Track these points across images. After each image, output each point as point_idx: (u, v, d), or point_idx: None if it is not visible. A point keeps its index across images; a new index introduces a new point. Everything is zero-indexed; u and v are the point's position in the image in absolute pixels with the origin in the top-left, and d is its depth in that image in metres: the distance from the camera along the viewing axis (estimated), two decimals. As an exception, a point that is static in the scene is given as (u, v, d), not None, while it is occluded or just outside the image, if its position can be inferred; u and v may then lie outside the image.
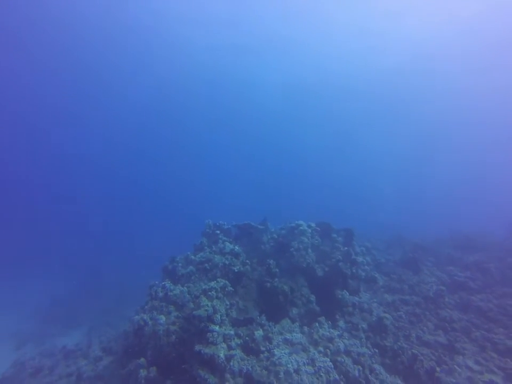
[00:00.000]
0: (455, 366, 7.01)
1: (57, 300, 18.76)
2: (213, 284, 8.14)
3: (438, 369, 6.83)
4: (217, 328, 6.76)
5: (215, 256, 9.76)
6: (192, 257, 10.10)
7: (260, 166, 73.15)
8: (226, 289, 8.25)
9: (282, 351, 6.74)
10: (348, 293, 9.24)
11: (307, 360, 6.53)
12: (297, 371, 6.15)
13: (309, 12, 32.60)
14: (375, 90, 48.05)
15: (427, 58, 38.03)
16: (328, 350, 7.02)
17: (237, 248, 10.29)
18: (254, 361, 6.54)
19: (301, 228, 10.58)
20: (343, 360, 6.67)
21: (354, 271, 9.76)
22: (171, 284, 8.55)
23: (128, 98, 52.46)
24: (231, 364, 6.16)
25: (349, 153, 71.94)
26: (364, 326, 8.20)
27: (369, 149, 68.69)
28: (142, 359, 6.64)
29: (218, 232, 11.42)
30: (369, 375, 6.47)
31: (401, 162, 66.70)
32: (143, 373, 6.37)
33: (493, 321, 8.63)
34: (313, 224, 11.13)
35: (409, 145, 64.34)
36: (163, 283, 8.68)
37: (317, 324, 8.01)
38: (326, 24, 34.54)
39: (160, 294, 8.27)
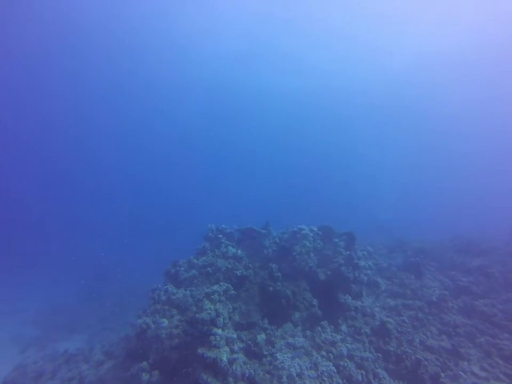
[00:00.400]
0: (460, 372, 6.93)
1: (58, 305, 18.75)
2: (215, 287, 8.15)
3: (442, 374, 6.76)
4: (220, 331, 6.75)
5: (218, 260, 9.78)
6: (195, 261, 10.12)
7: (260, 174, 73.32)
8: (229, 292, 8.25)
9: (285, 355, 6.72)
10: (350, 297, 9.21)
11: (310, 364, 6.51)
12: (300, 375, 6.13)
13: (313, 24, 33.37)
14: (376, 99, 48.61)
15: (429, 67, 38.52)
16: (331, 354, 6.98)
17: (240, 252, 10.31)
18: (257, 365, 6.52)
19: (303, 232, 10.60)
20: (346, 364, 6.64)
21: (356, 275, 9.74)
22: (174, 288, 8.57)
23: (132, 102, 53.37)
24: (234, 367, 6.14)
25: (349, 160, 72.13)
26: (366, 330, 8.15)
27: (370, 156, 68.92)
28: (144, 363, 6.63)
29: (220, 236, 11.44)
30: (373, 380, 6.42)
31: (403, 169, 66.74)
32: (145, 376, 6.35)
33: (498, 327, 8.55)
34: (315, 228, 11.16)
35: (411, 152, 64.52)
36: (166, 287, 8.70)
37: (319, 328, 7.98)
38: (327, 35, 35.25)
39: (163, 298, 8.29)
